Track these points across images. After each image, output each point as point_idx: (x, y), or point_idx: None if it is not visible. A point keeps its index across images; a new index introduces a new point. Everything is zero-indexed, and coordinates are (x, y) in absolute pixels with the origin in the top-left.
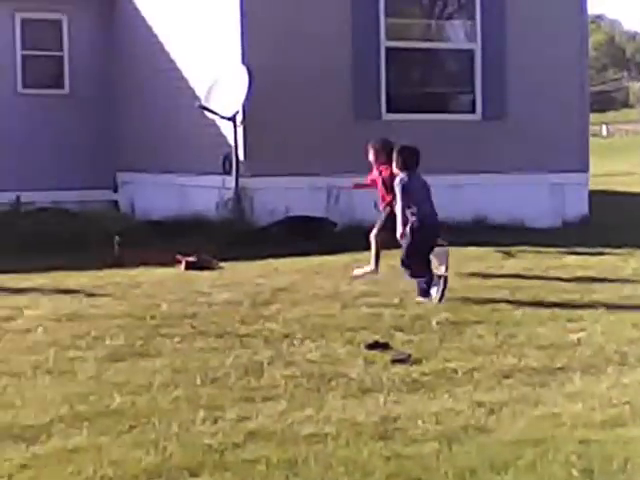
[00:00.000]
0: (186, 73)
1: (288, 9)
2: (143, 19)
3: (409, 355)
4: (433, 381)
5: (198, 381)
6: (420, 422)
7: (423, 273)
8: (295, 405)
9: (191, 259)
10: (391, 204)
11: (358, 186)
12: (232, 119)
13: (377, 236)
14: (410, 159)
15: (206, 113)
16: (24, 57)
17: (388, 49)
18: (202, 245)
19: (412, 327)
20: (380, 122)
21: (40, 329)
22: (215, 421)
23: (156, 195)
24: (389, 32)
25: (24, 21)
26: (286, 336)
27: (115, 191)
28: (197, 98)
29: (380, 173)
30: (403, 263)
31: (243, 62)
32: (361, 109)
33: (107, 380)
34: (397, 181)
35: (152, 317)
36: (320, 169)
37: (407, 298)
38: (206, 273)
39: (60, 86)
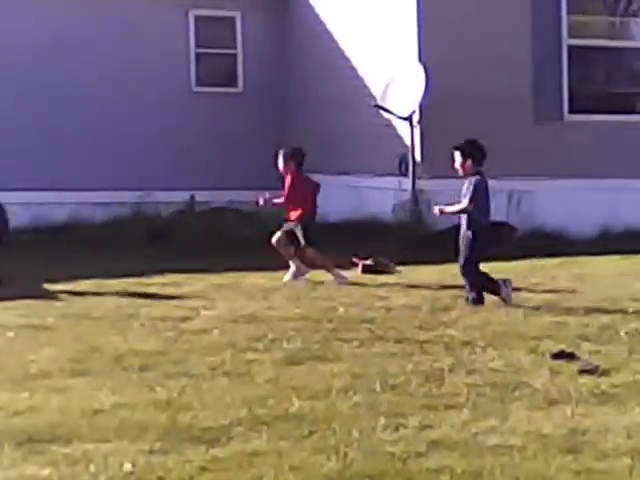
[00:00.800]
0: (361, 72)
1: (465, 6)
2: (317, 16)
3: (597, 366)
4: (623, 393)
5: (378, 387)
6: (610, 436)
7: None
8: (478, 414)
9: (368, 262)
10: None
11: (271, 203)
12: (408, 119)
13: (311, 254)
14: (483, 155)
15: (382, 113)
16: (198, 55)
17: (570, 47)
18: (379, 248)
19: (599, 337)
20: (562, 123)
21: (217, 330)
22: (397, 428)
23: (331, 196)
24: (571, 30)
25: (198, 18)
26: (467, 343)
27: None
28: (373, 97)
29: (291, 181)
30: (464, 269)
31: (420, 60)
32: (542, 110)
33: (285, 384)
34: (475, 181)
35: (329, 320)
36: (500, 172)
37: (593, 307)
38: (383, 277)
39: (233, 84)
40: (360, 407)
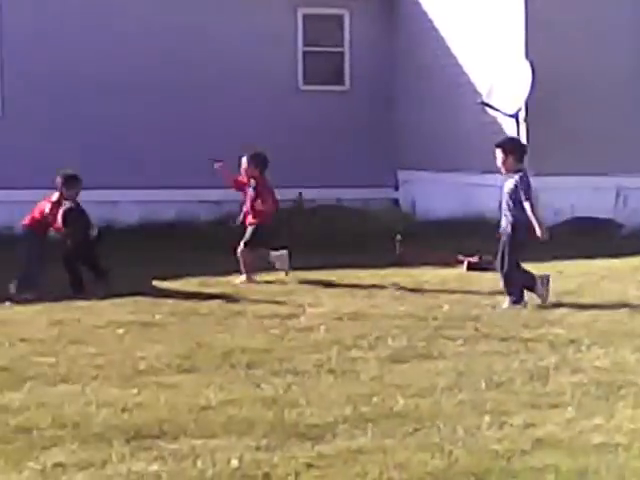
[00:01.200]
0: (467, 69)
1: (573, 4)
2: (424, 14)
3: None
4: None
5: (482, 385)
6: None
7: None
8: (583, 413)
9: (473, 260)
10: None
11: (224, 172)
12: (514, 116)
13: (244, 251)
14: (523, 152)
15: (488, 110)
16: (305, 53)
17: None
18: (484, 246)
19: None
20: None
21: (322, 327)
22: (501, 427)
23: (437, 194)
24: None
25: (305, 17)
26: (572, 341)
27: (396, 189)
28: (478, 94)
29: (254, 186)
30: (506, 272)
31: (526, 57)
32: None
33: (390, 382)
34: (522, 179)
35: (434, 318)
36: (608, 169)
37: None
38: (489, 274)
39: (340, 82)
40: (465, 405)
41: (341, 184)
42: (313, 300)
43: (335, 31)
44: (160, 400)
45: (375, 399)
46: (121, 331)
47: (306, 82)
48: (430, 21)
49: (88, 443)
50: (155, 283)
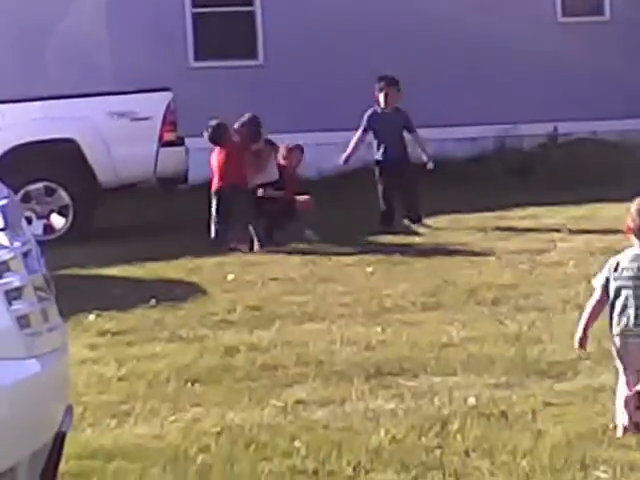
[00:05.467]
0: None
1: None
2: None
3: None
4: None
5: None
6: None
7: None
8: None
9: None
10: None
11: None
12: None
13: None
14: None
15: None
16: None
17: None
18: None
19: None
20: None
21: (572, 262)
22: None
23: None
24: None
25: None
26: None
27: None
28: None
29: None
30: None
31: None
32: None
33: None
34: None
35: None
36: None
37: None
38: None
39: (600, 13)
40: None
41: (598, 116)
42: (564, 235)
43: None
44: (402, 338)
45: None
46: (370, 269)
47: (565, 14)
48: None
49: (329, 380)
50: (406, 222)
